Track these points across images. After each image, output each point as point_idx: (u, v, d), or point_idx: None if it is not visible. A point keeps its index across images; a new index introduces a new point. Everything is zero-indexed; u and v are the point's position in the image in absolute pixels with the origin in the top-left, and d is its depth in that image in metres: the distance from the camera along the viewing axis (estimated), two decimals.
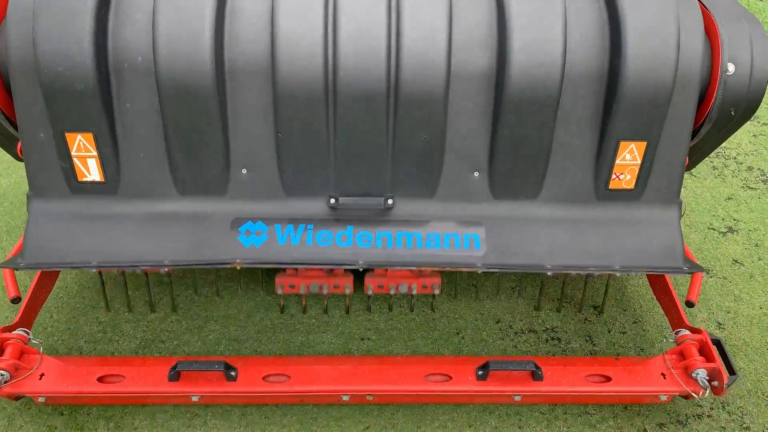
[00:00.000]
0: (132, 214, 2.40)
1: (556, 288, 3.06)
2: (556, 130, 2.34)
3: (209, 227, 2.40)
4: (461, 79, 2.29)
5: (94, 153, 2.32)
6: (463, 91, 2.31)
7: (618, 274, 2.59)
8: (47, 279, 2.63)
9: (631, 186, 2.44)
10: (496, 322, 2.88)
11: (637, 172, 2.40)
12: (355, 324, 2.86)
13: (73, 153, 2.32)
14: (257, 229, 2.41)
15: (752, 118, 4.56)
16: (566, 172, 2.43)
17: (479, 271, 2.41)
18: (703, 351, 2.36)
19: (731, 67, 2.31)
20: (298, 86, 2.23)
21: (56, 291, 2.95)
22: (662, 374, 2.36)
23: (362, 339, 2.79)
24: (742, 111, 2.37)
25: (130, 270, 2.45)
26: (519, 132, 2.32)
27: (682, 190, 3.01)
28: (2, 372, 2.20)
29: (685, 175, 3.82)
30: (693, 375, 2.31)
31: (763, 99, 4.54)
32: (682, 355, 2.38)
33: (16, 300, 2.42)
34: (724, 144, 4.19)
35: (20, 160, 2.50)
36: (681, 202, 2.49)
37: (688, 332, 2.43)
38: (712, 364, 2.29)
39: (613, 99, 2.28)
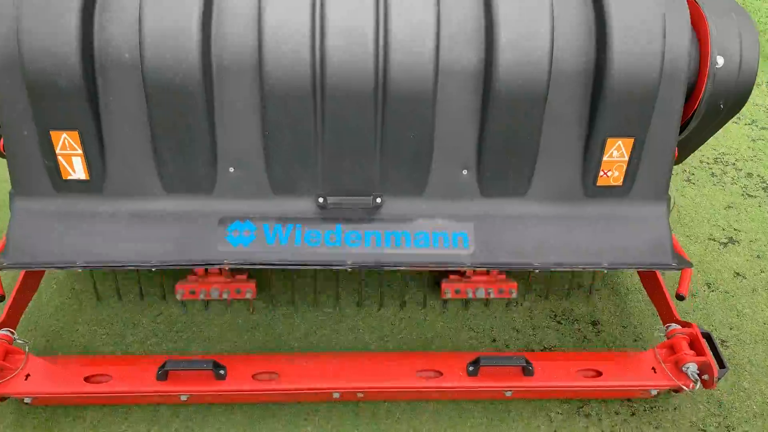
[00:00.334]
0: (118, 212, 2.37)
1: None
2: (544, 127, 2.34)
3: (196, 226, 2.38)
4: (449, 77, 2.28)
5: (80, 151, 2.29)
6: (452, 88, 2.30)
7: (606, 271, 2.56)
8: (32, 278, 2.60)
9: (619, 183, 2.44)
10: (492, 341, 2.76)
11: (624, 168, 2.40)
12: None
13: (57, 151, 2.29)
14: (245, 229, 2.39)
15: (750, 122, 4.49)
16: (554, 169, 2.43)
17: (467, 270, 2.38)
18: (694, 345, 2.37)
19: (720, 60, 2.31)
20: (285, 84, 2.21)
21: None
22: (653, 368, 2.37)
23: None
24: (731, 104, 2.38)
25: (116, 270, 2.41)
26: (507, 129, 2.32)
27: (681, 198, 2.94)
28: None
29: (684, 183, 3.75)
30: (683, 369, 2.32)
31: (763, 102, 4.47)
32: (672, 349, 2.40)
33: (0, 298, 2.39)
34: (722, 150, 4.12)
35: (3, 157, 2.46)
36: (669, 198, 2.49)
37: (678, 326, 2.45)
38: (702, 358, 2.30)
39: (600, 96, 2.28)
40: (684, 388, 2.31)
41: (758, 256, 3.32)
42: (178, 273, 2.81)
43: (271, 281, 2.96)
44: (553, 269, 2.43)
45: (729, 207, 3.67)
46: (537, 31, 2.21)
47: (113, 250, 2.34)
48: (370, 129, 2.30)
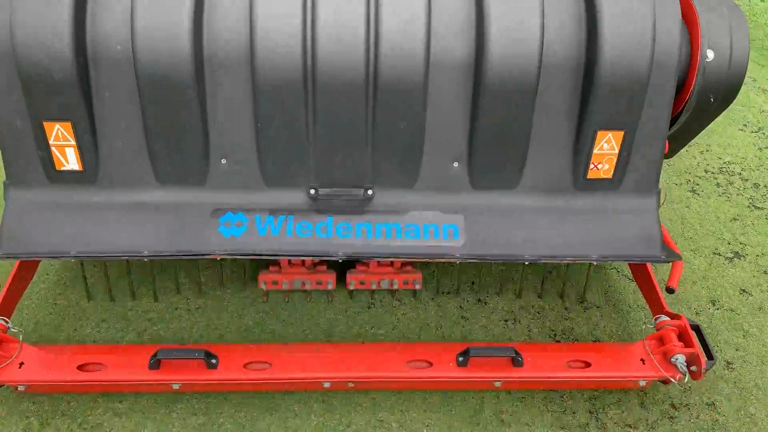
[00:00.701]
0: (111, 203, 2.40)
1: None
2: (535, 120, 2.36)
3: (189, 217, 2.41)
4: (440, 69, 2.30)
5: (73, 142, 2.31)
6: (442, 80, 2.32)
7: (595, 263, 2.61)
8: (27, 268, 2.64)
9: (609, 175, 2.46)
10: None
11: (615, 161, 2.42)
12: None
13: (51, 142, 2.31)
14: (237, 220, 2.42)
15: (757, 130, 4.39)
16: (545, 161, 2.45)
17: (457, 262, 2.45)
18: (683, 337, 2.40)
19: (710, 54, 2.34)
20: (276, 76, 2.24)
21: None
22: (641, 360, 2.40)
23: None
24: (721, 98, 2.40)
25: (110, 260, 2.45)
26: (498, 122, 2.34)
27: (684, 210, 2.91)
28: None
29: (688, 194, 3.65)
30: (672, 360, 2.34)
31: (766, 107, 4.35)
32: (661, 341, 2.43)
33: None
34: (728, 159, 4.01)
35: None
36: (659, 191, 2.52)
37: (667, 318, 2.47)
38: (690, 349, 2.33)
39: (590, 88, 2.30)
40: (672, 379, 2.34)
41: (765, 272, 3.22)
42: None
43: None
44: (543, 261, 2.46)
45: (735, 219, 3.57)
46: (527, 24, 2.23)
47: (106, 240, 2.37)
48: (361, 121, 2.32)
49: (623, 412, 2.50)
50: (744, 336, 2.86)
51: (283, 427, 2.40)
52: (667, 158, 2.69)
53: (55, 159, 2.34)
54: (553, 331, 2.84)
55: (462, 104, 2.36)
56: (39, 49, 2.15)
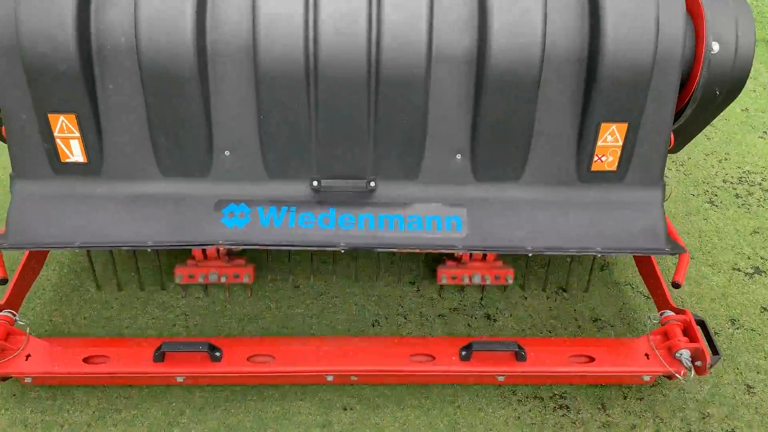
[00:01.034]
0: (115, 195, 2.44)
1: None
2: (538, 112, 2.37)
3: (193, 209, 2.44)
4: (442, 61, 2.32)
5: (77, 134, 2.35)
6: (444, 73, 2.34)
7: (599, 256, 2.62)
8: (35, 261, 2.68)
9: (614, 168, 2.46)
10: (498, 386, 2.55)
11: (619, 153, 2.43)
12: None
13: (56, 134, 2.35)
14: (240, 211, 2.44)
15: None
16: (548, 154, 2.45)
17: (459, 253, 2.47)
18: (687, 332, 2.39)
19: (716, 46, 2.33)
20: (279, 68, 2.26)
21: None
22: (646, 354, 2.40)
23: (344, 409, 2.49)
24: (726, 91, 2.40)
25: (114, 249, 2.49)
26: (500, 114, 2.35)
27: (702, 223, 3.03)
28: None
29: (706, 206, 3.53)
30: (677, 355, 2.34)
31: None
32: (666, 336, 2.42)
33: (2, 281, 2.46)
34: (747, 168, 3.87)
35: (5, 141, 2.51)
36: (664, 184, 2.52)
37: (672, 313, 2.47)
38: (695, 345, 2.33)
39: (593, 80, 2.31)
40: (676, 375, 2.34)
41: None
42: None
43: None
44: (546, 253, 2.46)
45: (755, 232, 3.43)
46: (530, 17, 2.24)
47: (111, 231, 2.40)
48: (363, 114, 2.34)
49: None
50: (766, 357, 2.75)
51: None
52: (672, 152, 2.68)
53: (60, 151, 2.38)
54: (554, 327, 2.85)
55: (464, 97, 2.37)
56: (43, 41, 2.18)
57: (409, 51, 2.26)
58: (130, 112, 2.35)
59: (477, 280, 2.75)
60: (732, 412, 2.52)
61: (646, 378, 2.47)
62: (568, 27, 2.30)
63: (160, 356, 2.32)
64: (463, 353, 2.37)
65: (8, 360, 2.31)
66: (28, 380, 2.39)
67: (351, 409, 2.49)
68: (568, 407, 2.52)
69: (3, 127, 2.42)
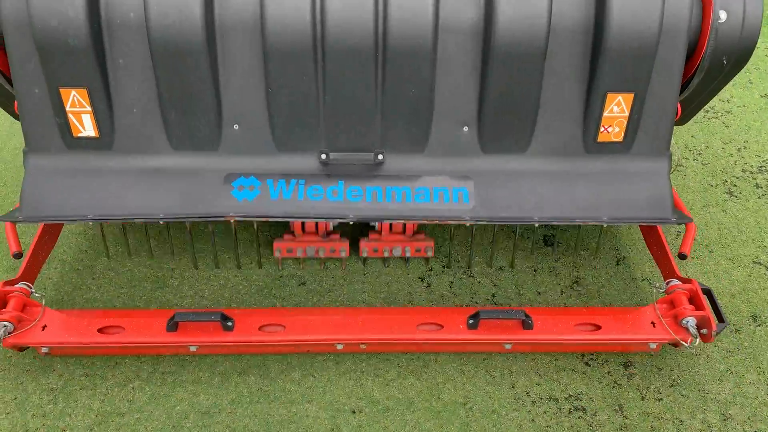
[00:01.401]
0: (127, 168, 2.49)
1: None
2: (544, 83, 2.40)
3: (203, 182, 2.49)
4: (449, 33, 2.35)
5: (89, 108, 2.40)
6: (451, 45, 2.37)
7: (605, 226, 2.67)
8: (49, 234, 2.75)
9: (620, 138, 2.49)
10: (511, 387, 2.47)
11: (625, 124, 2.45)
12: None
13: (67, 108, 2.40)
14: (250, 184, 2.49)
15: None
16: (555, 125, 2.49)
17: (467, 224, 2.51)
18: (694, 300, 2.43)
19: (723, 15, 2.33)
20: (286, 41, 2.30)
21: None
22: (652, 323, 2.43)
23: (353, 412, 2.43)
24: (734, 60, 2.40)
25: (127, 222, 2.56)
26: (507, 86, 2.39)
27: (721, 215, 3.02)
28: (6, 323, 2.33)
29: (725, 197, 3.42)
30: (683, 323, 2.38)
31: None
32: (672, 304, 2.46)
33: (17, 255, 2.52)
34: (767, 156, 3.74)
35: (17, 118, 2.58)
36: (670, 154, 2.55)
37: (678, 282, 2.51)
38: (701, 312, 2.36)
39: (599, 51, 2.33)
40: (682, 342, 2.38)
41: None
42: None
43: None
44: (553, 223, 2.51)
45: None
46: None
47: (123, 204, 2.47)
48: (370, 86, 2.38)
49: None
50: None
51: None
52: (679, 124, 2.70)
53: (71, 125, 2.43)
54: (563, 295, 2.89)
55: (471, 68, 2.40)
56: (54, 16, 2.23)
57: (415, 22, 2.28)
58: (140, 87, 2.40)
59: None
60: (755, 413, 2.45)
61: (652, 346, 2.53)
62: None
63: (173, 326, 2.39)
64: (471, 322, 2.43)
65: (25, 331, 2.39)
66: (44, 350, 2.49)
67: (360, 411, 2.43)
68: (584, 409, 2.45)
69: (15, 103, 2.47)
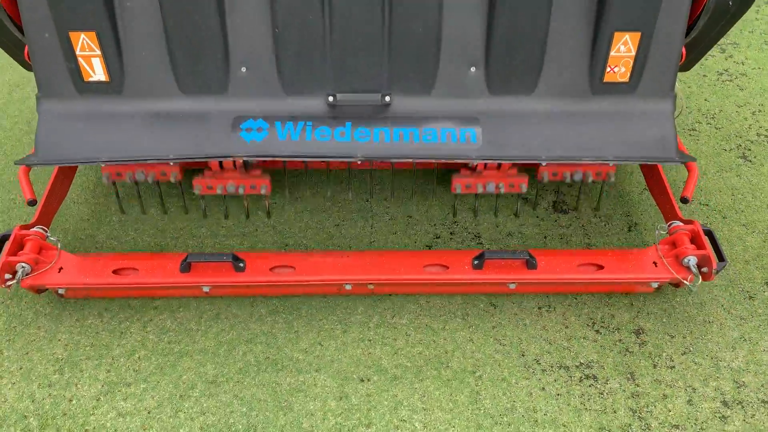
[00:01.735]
0: (137, 112, 2.55)
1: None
2: (551, 22, 2.43)
3: (211, 124, 2.55)
4: None
5: (98, 52, 2.45)
6: None
7: (611, 164, 2.74)
8: (63, 179, 2.85)
9: (626, 78, 2.52)
10: (521, 355, 2.45)
11: (631, 64, 2.48)
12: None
13: (77, 52, 2.45)
14: (258, 126, 2.54)
15: None
16: (562, 65, 2.52)
17: (474, 163, 2.57)
18: (695, 240, 2.50)
19: None
20: None
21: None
22: (654, 263, 2.51)
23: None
24: (739, 1, 2.43)
25: (137, 162, 2.63)
26: (514, 25, 2.42)
27: (735, 179, 3.05)
28: (24, 265, 2.42)
29: (739, 161, 3.38)
30: (684, 262, 2.45)
31: None
32: (674, 245, 2.53)
33: (32, 202, 2.60)
34: None
35: (28, 67, 2.65)
36: (675, 96, 2.59)
37: (680, 223, 2.57)
38: (702, 251, 2.43)
39: None
40: (684, 281, 2.45)
41: None
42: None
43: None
44: (559, 162, 2.57)
45: None
46: None
47: (134, 146, 2.53)
48: (377, 26, 2.41)
49: (669, 411, 2.29)
50: None
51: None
52: (683, 70, 2.72)
53: (82, 70, 2.48)
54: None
55: (479, 8, 2.43)
56: None
57: None
58: (148, 30, 2.45)
59: (491, 188, 2.83)
60: None
61: (654, 285, 2.61)
62: None
63: (186, 267, 2.47)
64: (476, 262, 2.49)
65: (42, 272, 2.47)
66: (61, 291, 2.59)
67: (368, 380, 2.42)
68: (595, 377, 2.43)
69: (26, 50, 2.53)
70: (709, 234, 2.51)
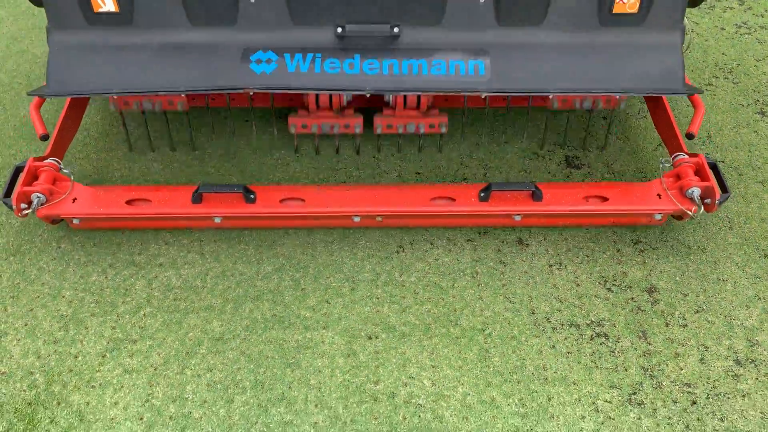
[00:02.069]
0: (147, 44, 2.58)
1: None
2: None
3: (221, 56, 2.58)
4: None
5: None
6: None
7: (618, 97, 2.74)
8: (74, 111, 2.89)
9: (635, 9, 2.53)
10: (531, 314, 2.42)
11: None
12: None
13: None
14: (267, 58, 2.56)
15: None
16: None
17: (483, 95, 2.57)
18: (700, 172, 2.53)
19: None
20: None
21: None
22: (658, 195, 2.55)
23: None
24: None
25: (148, 94, 2.66)
26: None
27: (752, 136, 3.07)
28: (39, 194, 2.48)
29: (756, 117, 3.33)
30: (687, 193, 2.49)
31: None
32: (678, 177, 2.57)
33: (44, 137, 2.64)
34: None
35: (38, 3, 2.65)
36: (683, 28, 2.61)
37: (685, 156, 2.60)
38: (706, 183, 2.47)
39: None
40: (687, 212, 2.49)
41: None
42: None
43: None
44: (567, 94, 2.59)
45: None
46: None
47: (144, 78, 2.56)
48: None
49: (681, 369, 2.27)
50: None
51: None
52: (693, 6, 2.72)
53: (92, 1, 2.50)
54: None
55: None
56: None
57: None
58: None
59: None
60: None
61: (658, 217, 2.64)
62: None
63: (198, 197, 2.52)
64: (482, 194, 2.53)
65: (57, 202, 2.53)
66: (76, 221, 2.65)
67: (376, 337, 2.41)
68: (606, 335, 2.42)
69: None
70: (714, 167, 2.55)
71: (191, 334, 2.46)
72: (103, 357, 2.39)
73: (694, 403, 2.27)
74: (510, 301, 2.56)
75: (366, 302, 2.56)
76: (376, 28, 2.56)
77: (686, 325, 2.48)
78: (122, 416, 2.23)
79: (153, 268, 2.68)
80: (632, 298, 2.57)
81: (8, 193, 2.54)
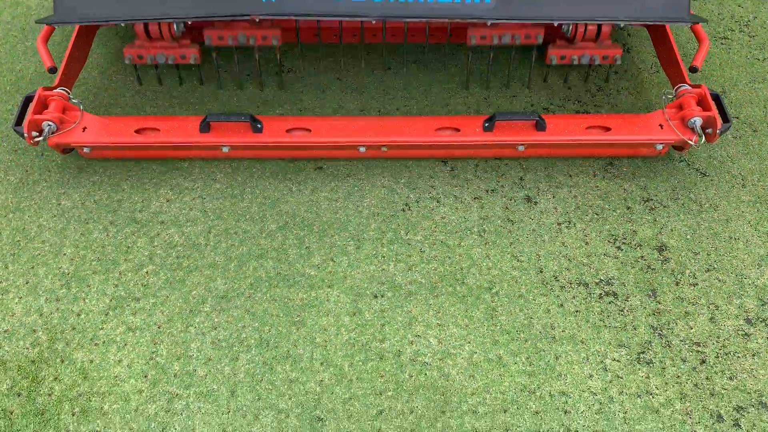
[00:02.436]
0: None
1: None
2: None
3: None
4: None
5: None
6: None
7: (622, 25, 2.80)
8: (82, 40, 2.91)
9: None
10: (539, 272, 2.39)
11: None
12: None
13: None
14: None
15: None
16: None
17: (488, 23, 2.60)
18: (702, 103, 2.56)
19: None
20: None
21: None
22: (660, 125, 2.58)
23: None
24: None
25: (155, 21, 2.68)
26: None
27: None
28: (50, 122, 2.51)
29: None
30: (689, 123, 2.52)
31: None
32: (680, 108, 2.60)
33: (52, 70, 2.67)
34: None
35: None
36: None
37: (688, 87, 2.62)
38: (707, 113, 2.50)
39: None
40: (689, 142, 2.53)
41: None
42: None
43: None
44: (571, 21, 2.62)
45: None
46: None
47: (151, 5, 2.58)
48: None
49: (691, 328, 2.25)
50: None
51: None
52: None
53: None
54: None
55: None
56: None
57: None
58: None
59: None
60: None
61: (659, 147, 2.67)
62: None
63: (206, 126, 2.56)
64: (486, 124, 2.57)
65: (67, 131, 2.56)
66: (86, 150, 2.69)
67: (381, 296, 2.40)
68: (615, 294, 2.39)
69: None
70: (716, 98, 2.58)
71: (195, 292, 2.47)
72: (106, 315, 2.40)
73: (704, 362, 2.27)
74: (518, 260, 2.55)
75: (371, 261, 2.56)
76: None
77: (696, 284, 2.47)
78: (126, 374, 2.25)
79: (155, 225, 2.68)
80: (642, 257, 2.56)
81: (19, 122, 2.58)
